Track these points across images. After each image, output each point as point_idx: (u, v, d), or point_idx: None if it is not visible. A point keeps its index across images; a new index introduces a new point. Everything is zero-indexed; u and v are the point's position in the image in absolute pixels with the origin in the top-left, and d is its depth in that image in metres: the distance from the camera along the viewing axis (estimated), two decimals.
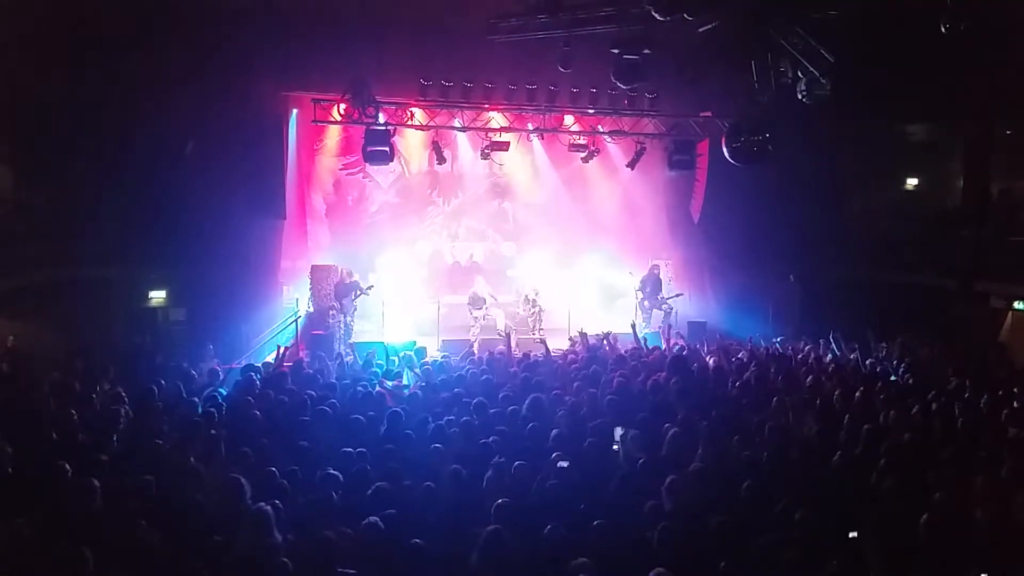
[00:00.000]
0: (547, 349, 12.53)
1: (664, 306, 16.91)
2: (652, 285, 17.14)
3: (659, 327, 16.08)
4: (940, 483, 6.48)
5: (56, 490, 6.21)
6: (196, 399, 9.03)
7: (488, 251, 19.69)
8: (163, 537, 5.50)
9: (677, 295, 17.22)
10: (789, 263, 17.42)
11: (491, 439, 7.66)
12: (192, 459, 7.00)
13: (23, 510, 5.59)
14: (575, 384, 10.18)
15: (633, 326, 13.72)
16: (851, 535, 5.78)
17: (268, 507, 5.62)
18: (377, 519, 5.65)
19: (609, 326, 14.60)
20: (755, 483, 6.49)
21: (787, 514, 5.94)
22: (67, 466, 6.41)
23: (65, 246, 13.46)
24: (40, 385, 9.45)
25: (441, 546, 5.73)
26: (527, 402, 8.83)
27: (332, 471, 6.66)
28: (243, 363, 12.30)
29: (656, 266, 17.49)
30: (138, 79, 13.06)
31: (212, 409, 8.56)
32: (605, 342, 12.84)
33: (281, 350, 12.19)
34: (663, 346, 13.62)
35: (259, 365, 11.85)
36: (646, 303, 17.08)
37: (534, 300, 16.84)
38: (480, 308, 16.44)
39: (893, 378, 10.99)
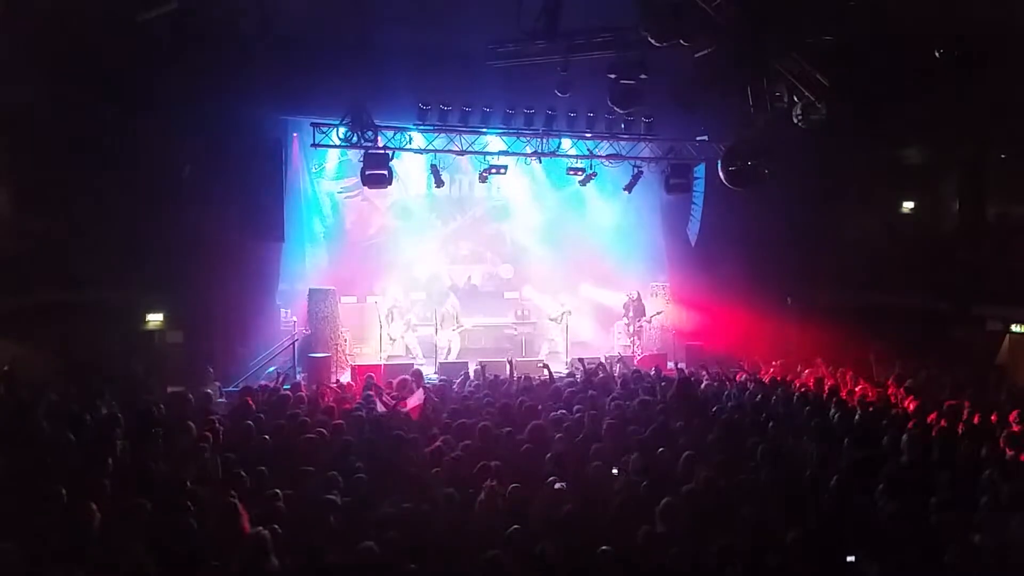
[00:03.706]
0: (550, 373, 12.52)
1: (646, 324, 17.72)
2: (635, 310, 17.87)
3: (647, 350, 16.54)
4: (939, 507, 6.46)
5: (50, 514, 6.18)
6: (192, 422, 8.98)
7: (486, 273, 19.75)
8: (159, 561, 5.46)
9: (657, 313, 17.91)
10: (786, 286, 17.43)
11: (492, 463, 7.63)
12: (189, 482, 6.97)
13: (17, 534, 5.55)
14: (575, 408, 10.17)
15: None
16: (849, 559, 5.76)
17: (266, 531, 5.59)
18: (372, 544, 5.63)
19: (606, 348, 14.63)
20: (754, 507, 6.47)
21: (786, 538, 5.92)
22: (62, 490, 6.38)
23: (62, 268, 13.43)
24: (35, 408, 9.41)
25: (438, 570, 5.70)
26: (528, 428, 8.83)
27: (330, 495, 6.64)
28: (240, 386, 12.28)
29: (638, 294, 17.88)
30: (137, 101, 13.09)
31: (209, 432, 8.53)
32: (600, 368, 12.92)
33: (279, 375, 12.18)
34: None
35: (256, 388, 11.83)
36: (630, 328, 17.73)
37: (525, 317, 17.15)
38: (452, 329, 16.66)
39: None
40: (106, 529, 5.92)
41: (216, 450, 8.03)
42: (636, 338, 17.76)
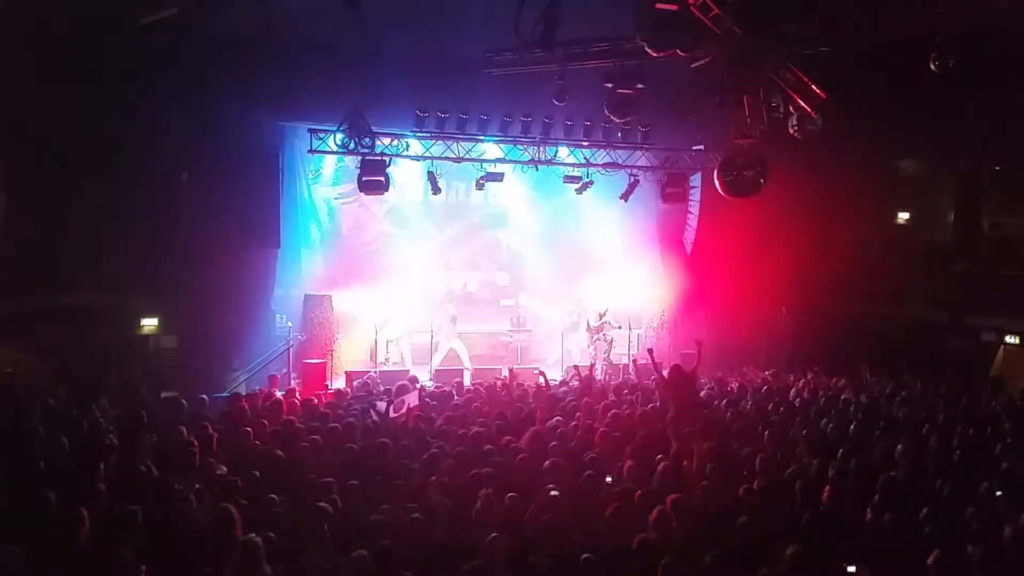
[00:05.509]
0: (545, 380, 12.50)
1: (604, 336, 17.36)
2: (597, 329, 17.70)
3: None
4: (934, 518, 6.46)
5: (43, 519, 6.14)
6: (185, 427, 8.95)
7: (482, 280, 19.73)
8: (150, 568, 5.43)
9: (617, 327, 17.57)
10: (781, 295, 17.47)
11: (484, 470, 7.62)
12: (182, 488, 6.94)
13: (12, 539, 5.52)
14: (576, 415, 10.16)
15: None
16: (850, 569, 5.75)
17: (259, 538, 5.57)
18: (365, 552, 5.61)
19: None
20: (749, 517, 6.46)
21: (781, 548, 5.91)
22: (52, 496, 6.35)
23: (57, 273, 13.42)
24: (30, 412, 9.37)
25: None
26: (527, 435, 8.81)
27: (323, 502, 6.61)
28: (234, 391, 12.26)
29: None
30: (135, 106, 13.10)
31: (202, 438, 8.49)
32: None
33: (274, 380, 12.15)
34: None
35: (250, 393, 11.80)
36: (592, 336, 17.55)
37: (521, 325, 17.12)
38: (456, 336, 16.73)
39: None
40: (97, 534, 5.89)
41: (209, 455, 8.00)
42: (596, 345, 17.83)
